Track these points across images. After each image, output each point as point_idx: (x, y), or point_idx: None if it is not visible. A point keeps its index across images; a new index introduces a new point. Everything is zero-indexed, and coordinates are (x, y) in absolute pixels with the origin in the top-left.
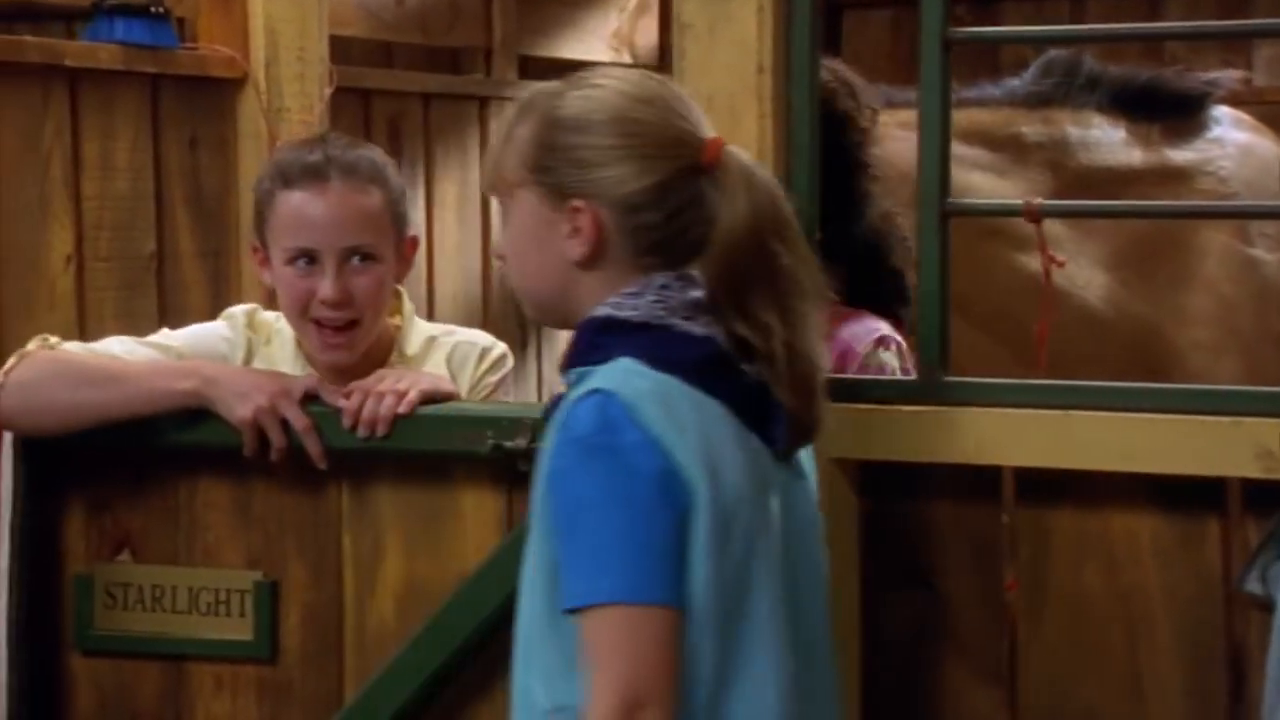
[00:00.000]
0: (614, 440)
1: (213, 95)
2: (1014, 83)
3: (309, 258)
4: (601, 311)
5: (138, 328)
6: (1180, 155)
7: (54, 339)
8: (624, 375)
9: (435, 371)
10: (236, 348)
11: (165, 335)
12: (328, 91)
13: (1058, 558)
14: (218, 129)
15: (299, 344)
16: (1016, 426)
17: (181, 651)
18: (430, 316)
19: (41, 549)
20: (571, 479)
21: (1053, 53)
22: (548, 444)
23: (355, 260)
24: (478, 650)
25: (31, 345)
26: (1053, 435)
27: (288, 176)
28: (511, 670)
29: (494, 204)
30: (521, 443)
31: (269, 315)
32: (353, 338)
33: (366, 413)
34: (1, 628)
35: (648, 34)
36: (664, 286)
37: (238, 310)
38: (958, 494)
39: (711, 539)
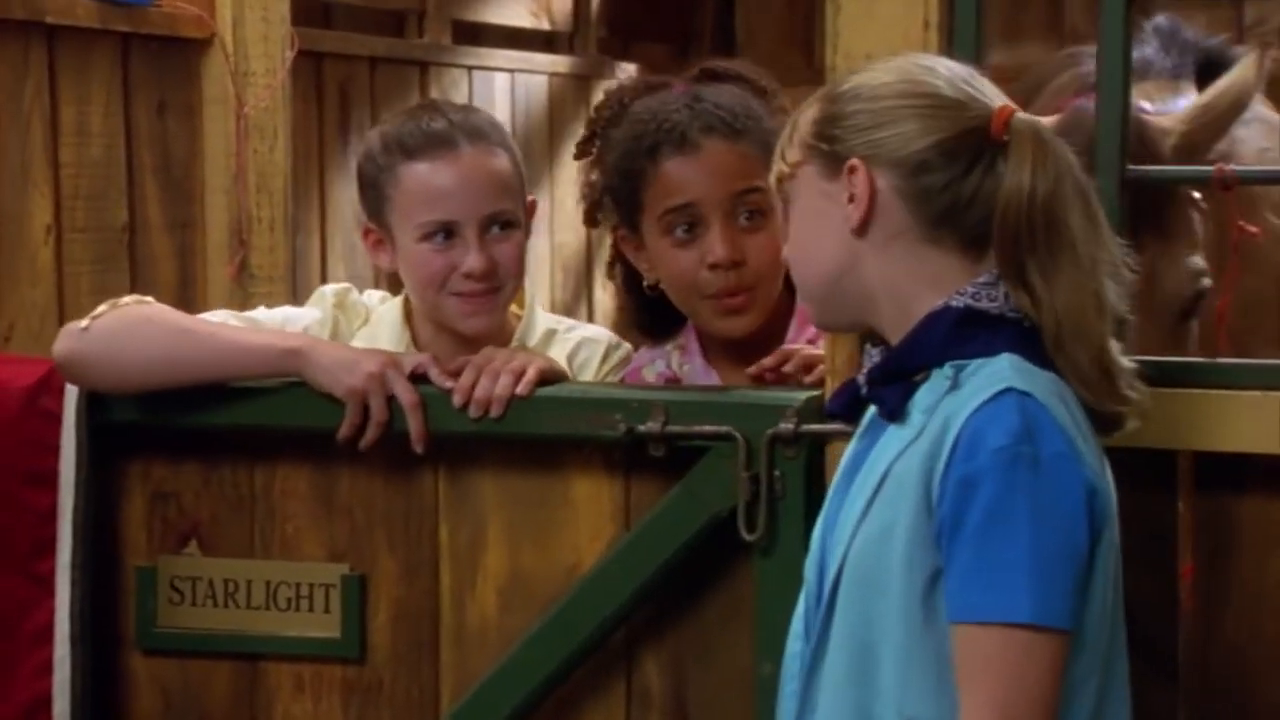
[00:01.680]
0: (1037, 449)
1: (178, 57)
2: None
3: (446, 231)
4: (958, 302)
5: None
6: None
7: (147, 298)
8: (1026, 374)
9: None
10: (324, 327)
11: (260, 313)
12: (290, 55)
13: (1241, 548)
14: (184, 93)
15: (410, 325)
16: (1198, 408)
17: (257, 650)
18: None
19: (98, 540)
20: (989, 485)
21: (1160, 20)
22: (937, 439)
23: (495, 229)
24: (596, 648)
25: (123, 300)
26: (1242, 418)
27: (410, 147)
28: (800, 678)
29: None
30: (655, 426)
31: (363, 297)
32: (496, 301)
33: (480, 391)
34: (65, 625)
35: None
36: (992, 280)
37: (328, 290)
38: (1132, 480)
39: (1110, 562)
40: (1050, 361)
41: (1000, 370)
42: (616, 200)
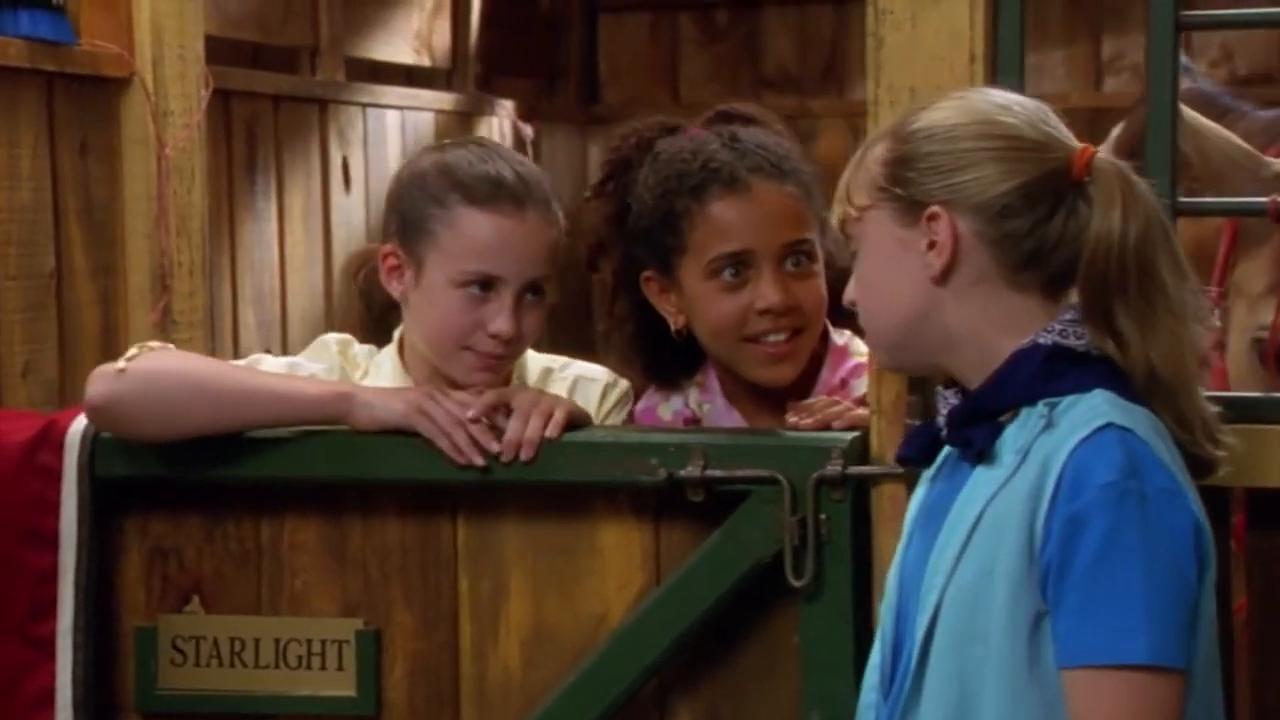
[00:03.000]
0: (1144, 485)
1: (98, 97)
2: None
3: (485, 284)
4: (1045, 339)
5: (43, 354)
6: None
7: (169, 345)
8: (1123, 409)
9: None
10: (330, 376)
11: (268, 362)
12: (206, 94)
13: None
14: (105, 134)
15: (408, 372)
16: (1252, 444)
17: (266, 710)
18: (284, 338)
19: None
20: (1098, 523)
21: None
22: (1037, 479)
23: (529, 295)
24: (632, 701)
25: (147, 344)
26: None
27: (475, 193)
28: None
29: (336, 215)
30: (695, 470)
31: (361, 349)
32: (506, 364)
33: (511, 434)
34: (67, 690)
35: (443, 35)
36: (1076, 317)
37: (330, 339)
38: None
39: (1211, 600)
40: (1140, 397)
41: (1097, 406)
42: (649, 241)
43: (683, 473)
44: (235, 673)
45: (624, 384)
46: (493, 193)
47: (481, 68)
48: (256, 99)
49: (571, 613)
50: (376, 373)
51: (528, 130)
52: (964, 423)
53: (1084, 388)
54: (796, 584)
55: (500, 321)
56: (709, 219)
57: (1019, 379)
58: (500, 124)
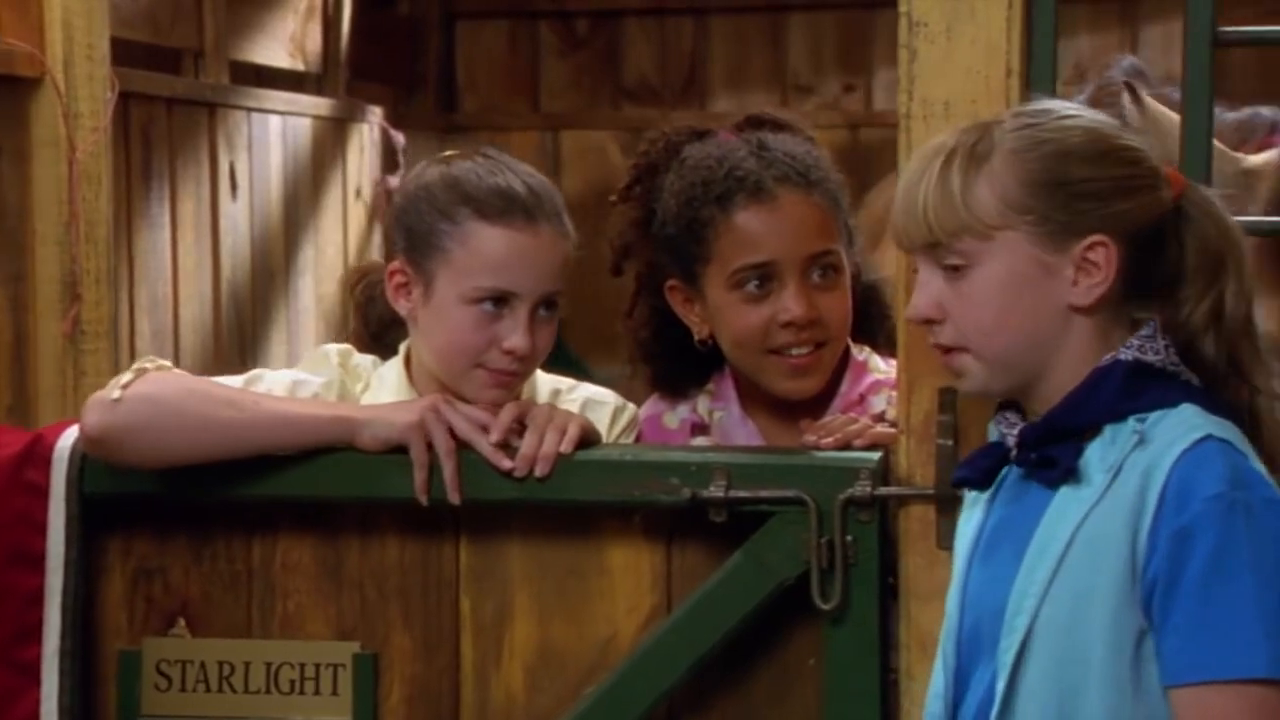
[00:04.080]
0: (1250, 496)
1: (10, 98)
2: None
3: (498, 300)
4: (1126, 355)
5: None
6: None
7: (165, 362)
8: (1215, 423)
9: None
10: (331, 390)
11: (262, 374)
12: (112, 97)
13: None
14: (16, 136)
15: (413, 386)
16: None
17: None
18: (176, 348)
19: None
20: (1208, 536)
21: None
22: (1137, 496)
23: (542, 310)
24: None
25: (141, 364)
26: None
27: (487, 208)
28: None
29: (225, 222)
30: (718, 491)
31: (363, 360)
32: (519, 380)
33: (527, 448)
34: (53, 717)
35: (315, 39)
36: (1151, 334)
37: (331, 349)
38: None
39: None
40: (1223, 409)
41: (1189, 419)
42: (674, 249)
43: (705, 493)
44: (224, 698)
45: (632, 408)
46: (505, 207)
47: (347, 74)
48: (152, 102)
49: (578, 635)
50: (380, 386)
51: (399, 138)
52: (1041, 443)
53: (1170, 402)
54: (825, 607)
55: (515, 338)
56: (734, 229)
57: (1103, 396)
58: (371, 130)
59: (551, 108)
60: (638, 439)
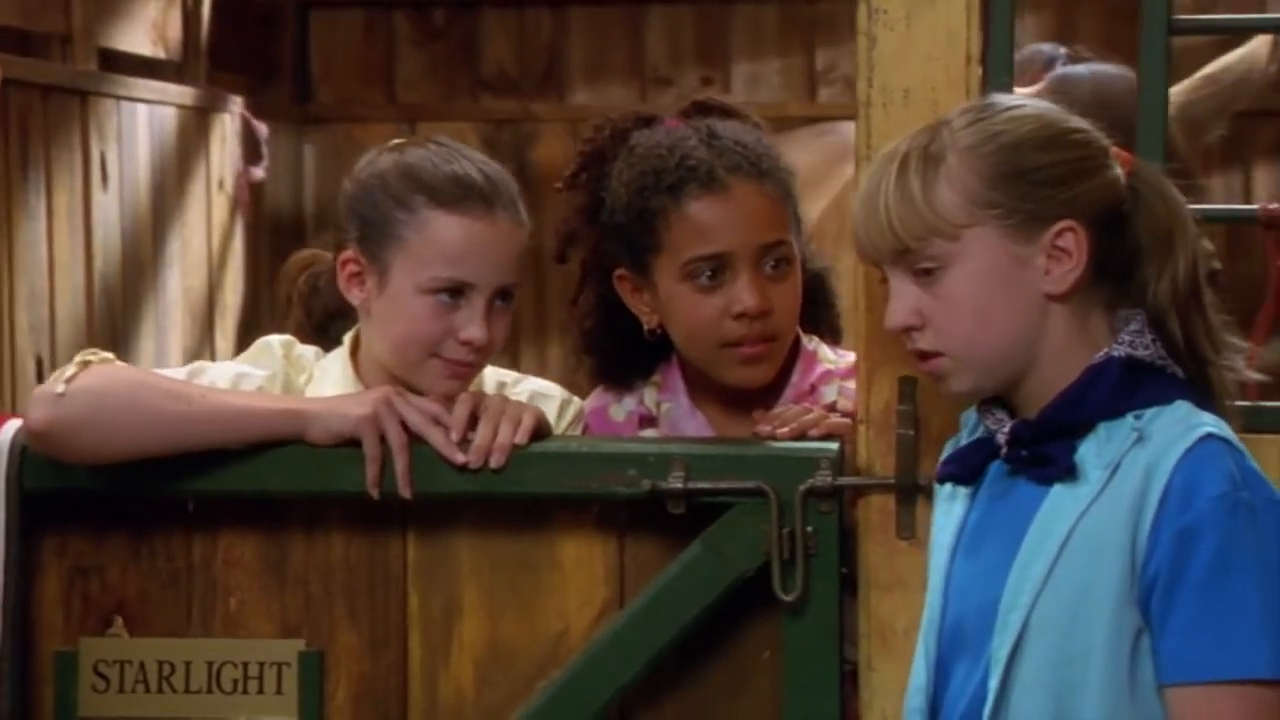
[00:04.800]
0: (1253, 497)
1: None
2: None
3: (455, 292)
4: (1119, 352)
5: None
6: None
7: (107, 354)
8: (1212, 420)
9: None
10: (275, 382)
11: (207, 366)
12: None
13: None
14: None
15: (360, 378)
16: None
17: None
18: (52, 342)
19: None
20: (1211, 535)
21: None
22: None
23: (498, 301)
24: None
25: (83, 357)
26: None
27: (443, 195)
28: None
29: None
30: (678, 482)
31: (306, 351)
32: (473, 371)
33: (481, 439)
34: None
35: (176, 26)
36: (1139, 329)
37: (274, 340)
38: None
39: None
40: (1211, 405)
41: (1185, 416)
42: (623, 238)
43: (664, 484)
44: (164, 698)
45: (578, 402)
46: (463, 195)
47: (207, 62)
48: (29, 89)
49: (529, 630)
50: (323, 378)
51: (262, 128)
52: (1035, 440)
53: (1165, 399)
54: (786, 598)
55: (472, 329)
56: (686, 219)
57: (1099, 393)
58: (233, 121)
59: (408, 99)
60: (584, 433)
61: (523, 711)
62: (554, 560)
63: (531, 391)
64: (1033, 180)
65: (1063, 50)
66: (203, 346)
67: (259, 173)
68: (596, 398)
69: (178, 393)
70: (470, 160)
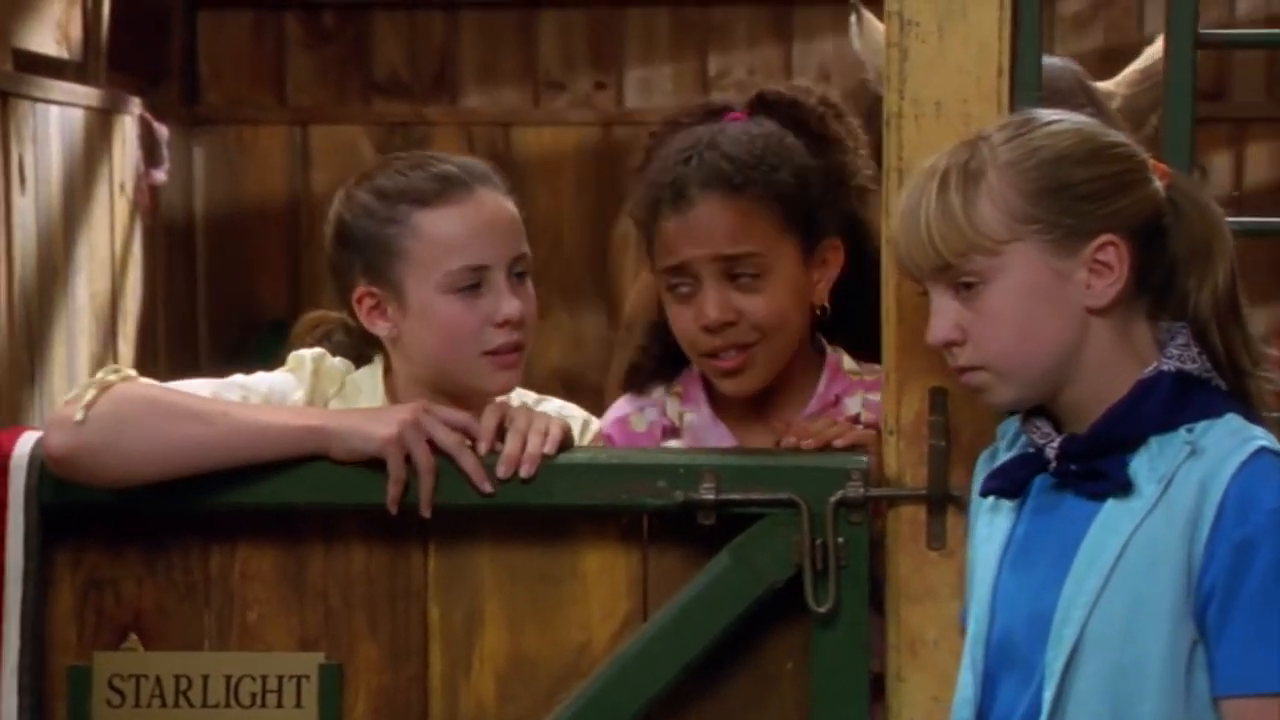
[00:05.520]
0: None
1: None
2: None
3: (474, 284)
4: (1169, 366)
5: None
6: None
7: (128, 370)
8: (1263, 433)
9: None
10: (305, 397)
11: (241, 380)
12: None
13: None
14: None
15: (391, 394)
16: None
17: None
18: None
19: None
20: (1269, 548)
21: None
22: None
23: (516, 277)
24: None
25: (102, 376)
26: None
27: (424, 194)
28: None
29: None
30: (708, 493)
31: (336, 362)
32: (522, 356)
33: (511, 449)
34: None
35: (78, 26)
36: (1186, 342)
37: (305, 354)
38: None
39: None
40: (1257, 418)
41: (1238, 429)
42: (647, 242)
43: (695, 496)
44: (181, 713)
45: (597, 422)
46: (441, 188)
47: (106, 64)
48: None
49: (552, 642)
50: (355, 393)
51: (162, 130)
52: (1086, 455)
53: (1215, 412)
54: (820, 610)
55: (505, 306)
56: (661, 234)
57: (1151, 408)
58: (133, 122)
59: (299, 101)
60: (606, 444)
61: None
62: (576, 572)
63: (554, 411)
64: (1074, 195)
65: None
66: (107, 352)
67: (160, 175)
68: (619, 407)
69: (198, 412)
70: (434, 157)
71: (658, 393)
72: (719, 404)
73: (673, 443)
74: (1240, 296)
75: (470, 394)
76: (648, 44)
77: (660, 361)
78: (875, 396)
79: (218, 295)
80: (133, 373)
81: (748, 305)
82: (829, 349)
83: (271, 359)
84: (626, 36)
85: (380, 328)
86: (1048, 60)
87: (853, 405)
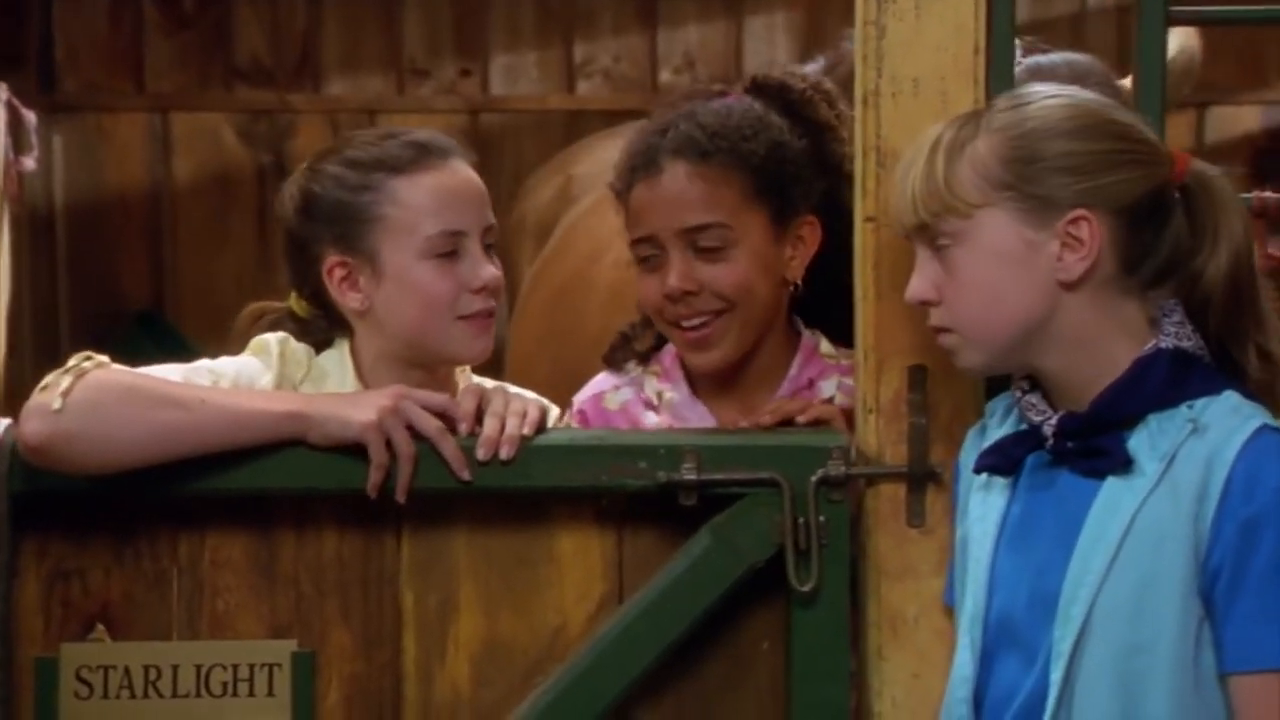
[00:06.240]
0: None
1: None
2: None
3: (452, 246)
4: (1166, 344)
5: None
6: None
7: (102, 357)
8: (1263, 410)
9: None
10: (271, 382)
11: (209, 364)
12: None
13: None
14: None
15: (360, 375)
16: None
17: None
18: None
19: None
20: (1275, 528)
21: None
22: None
23: (486, 246)
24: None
25: (77, 363)
26: None
27: (399, 161)
28: None
29: None
30: (690, 474)
31: (299, 347)
32: (494, 323)
33: (491, 430)
34: None
35: None
36: (1181, 320)
37: (271, 339)
38: None
39: None
40: (1256, 396)
41: (1238, 406)
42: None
43: (677, 476)
44: (150, 704)
45: (555, 410)
46: (416, 155)
47: None
48: None
49: (527, 626)
50: (322, 376)
51: (30, 116)
52: (1084, 433)
53: (1214, 389)
54: (802, 589)
55: (481, 271)
56: (631, 205)
57: (1150, 385)
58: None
59: (158, 88)
60: (581, 421)
61: (532, 707)
62: (551, 555)
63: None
64: (1049, 167)
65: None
66: None
67: (29, 163)
68: (595, 384)
69: (176, 398)
70: (402, 130)
71: (635, 370)
72: (696, 383)
73: (652, 419)
74: (1257, 278)
75: (442, 363)
76: (513, 31)
77: (637, 339)
78: (851, 380)
79: (79, 286)
80: (106, 359)
81: (710, 275)
82: (806, 332)
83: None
84: (491, 23)
85: (351, 299)
86: (1076, 56)
87: (827, 388)
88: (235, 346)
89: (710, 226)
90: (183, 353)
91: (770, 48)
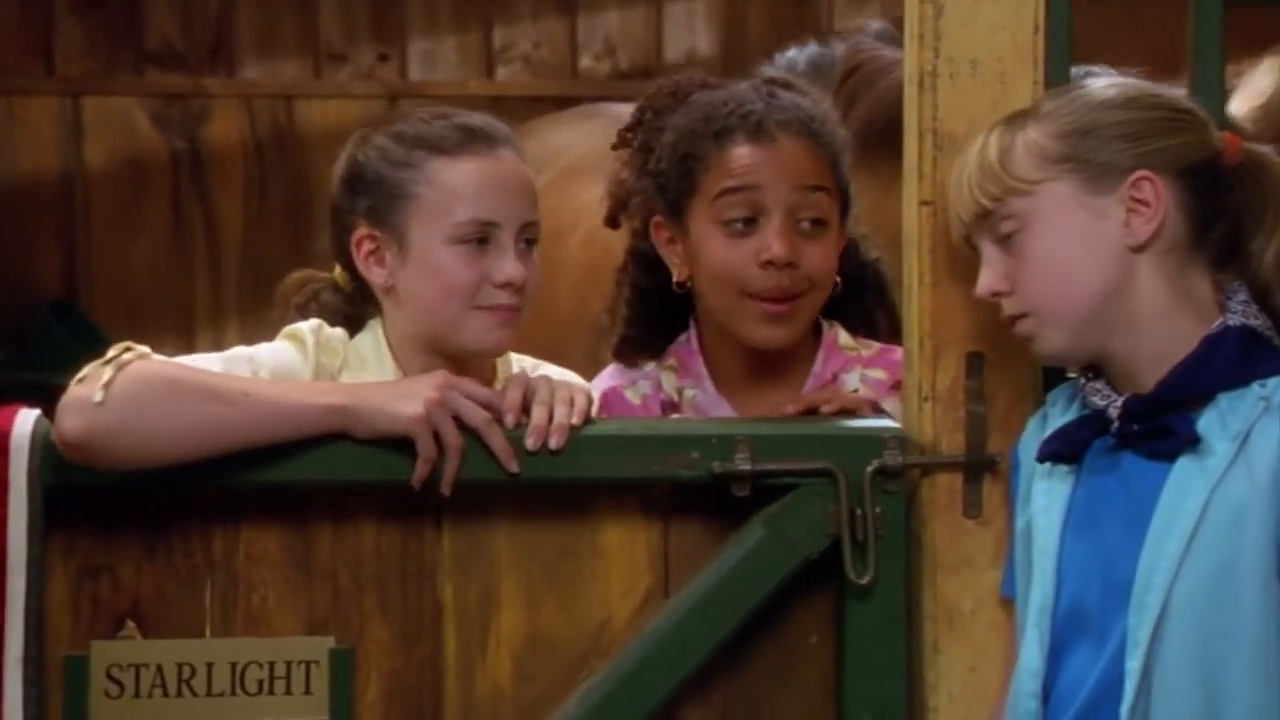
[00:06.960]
0: None
1: None
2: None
3: (481, 237)
4: (1235, 321)
5: None
6: None
7: (143, 347)
8: None
9: None
10: (310, 371)
11: (248, 353)
12: None
13: None
14: None
15: (394, 358)
16: None
17: None
18: None
19: None
20: None
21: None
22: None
23: (524, 243)
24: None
25: (117, 353)
26: None
27: (446, 143)
28: None
29: None
30: (744, 464)
31: (335, 333)
32: (518, 319)
33: (539, 419)
34: None
35: None
36: (1247, 299)
37: (304, 327)
38: None
39: None
40: None
41: None
42: (662, 185)
43: (731, 466)
44: (184, 703)
45: (596, 391)
46: (464, 139)
47: None
48: None
49: (570, 620)
50: (360, 364)
51: None
52: (1151, 414)
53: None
54: (860, 581)
55: (507, 267)
56: (725, 160)
57: (1219, 364)
58: None
59: (68, 71)
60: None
61: (581, 705)
62: (596, 547)
63: (555, 377)
64: (1104, 135)
65: None
66: None
67: None
68: (607, 379)
69: (219, 392)
70: (455, 111)
71: (648, 366)
72: (719, 379)
73: (674, 418)
74: None
75: (456, 352)
76: (430, 16)
77: (649, 333)
78: (873, 372)
79: None
80: (147, 349)
81: (807, 252)
82: (825, 325)
83: (53, 342)
84: (409, 8)
85: (376, 274)
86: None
87: (851, 381)
88: (279, 310)
89: (823, 189)
90: (96, 344)
91: (690, 34)
